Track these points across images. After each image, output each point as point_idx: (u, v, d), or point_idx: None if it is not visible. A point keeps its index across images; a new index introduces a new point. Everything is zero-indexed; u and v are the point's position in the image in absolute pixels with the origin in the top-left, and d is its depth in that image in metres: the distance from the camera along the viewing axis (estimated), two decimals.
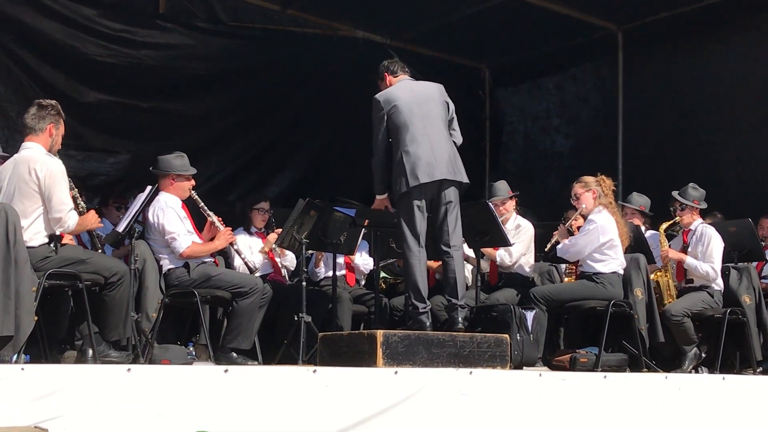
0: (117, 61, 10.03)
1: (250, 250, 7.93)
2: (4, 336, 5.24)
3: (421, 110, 6.59)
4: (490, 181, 10.94)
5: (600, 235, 7.42)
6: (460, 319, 6.51)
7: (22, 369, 4.78)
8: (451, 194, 6.60)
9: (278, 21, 11.06)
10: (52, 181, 5.80)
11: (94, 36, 9.90)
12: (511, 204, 8.34)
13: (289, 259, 8.20)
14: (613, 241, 7.47)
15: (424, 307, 6.49)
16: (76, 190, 6.24)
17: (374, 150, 6.68)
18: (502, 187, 8.35)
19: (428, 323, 6.47)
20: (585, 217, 7.69)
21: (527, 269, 8.12)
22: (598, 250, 7.45)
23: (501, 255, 8.00)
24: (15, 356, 5.43)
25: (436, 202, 6.59)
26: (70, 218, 5.88)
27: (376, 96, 6.71)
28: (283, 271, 8.22)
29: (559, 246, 7.68)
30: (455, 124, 6.80)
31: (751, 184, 10.36)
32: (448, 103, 6.77)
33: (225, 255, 7.69)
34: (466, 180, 6.66)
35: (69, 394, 4.76)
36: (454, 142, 6.72)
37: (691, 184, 8.24)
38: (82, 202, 6.28)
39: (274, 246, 7.84)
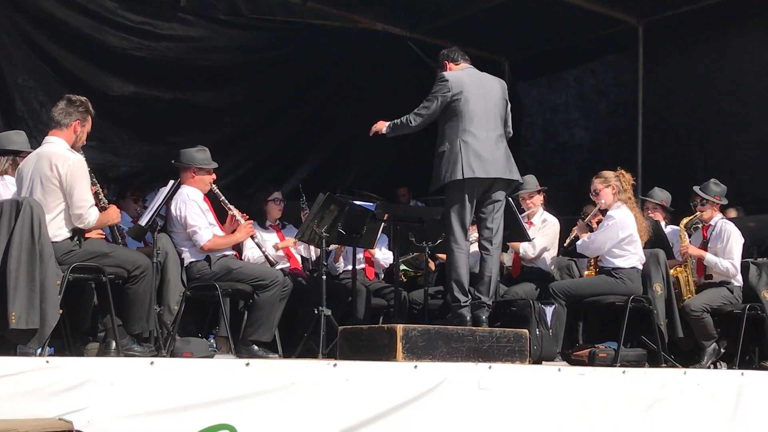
0: (138, 53, 10.09)
1: (265, 244, 7.94)
2: (29, 329, 5.30)
3: (486, 106, 6.69)
4: None
5: (619, 231, 7.43)
6: (484, 317, 6.60)
7: (47, 362, 4.83)
8: (501, 194, 6.76)
9: (299, 13, 11.08)
10: (73, 177, 5.79)
11: (115, 28, 9.94)
12: (539, 198, 8.35)
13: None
14: (632, 236, 7.48)
15: (466, 301, 6.59)
16: (99, 185, 6.25)
17: (419, 116, 6.69)
18: (530, 180, 8.35)
19: (469, 317, 6.55)
20: (604, 212, 7.70)
21: (548, 264, 8.13)
22: (618, 246, 7.46)
23: (524, 247, 8.02)
24: (39, 349, 5.48)
25: (485, 198, 6.71)
26: (90, 215, 5.89)
27: (446, 74, 6.71)
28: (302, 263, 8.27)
29: (578, 242, 7.69)
30: (509, 121, 6.92)
31: None
32: (507, 102, 6.89)
33: (239, 249, 7.70)
34: (518, 177, 6.83)
35: (93, 386, 4.81)
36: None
37: (712, 180, 8.22)
38: (103, 197, 6.28)
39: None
